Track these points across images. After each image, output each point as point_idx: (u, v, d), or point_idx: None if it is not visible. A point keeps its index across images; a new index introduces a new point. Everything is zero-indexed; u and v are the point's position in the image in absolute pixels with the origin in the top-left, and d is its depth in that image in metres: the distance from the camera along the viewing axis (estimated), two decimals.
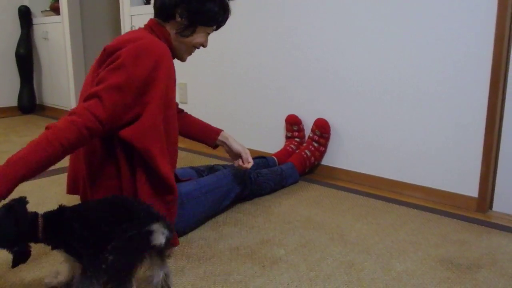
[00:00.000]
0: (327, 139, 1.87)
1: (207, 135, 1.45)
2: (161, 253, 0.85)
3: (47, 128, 0.97)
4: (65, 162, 2.07)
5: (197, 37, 1.21)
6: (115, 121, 1.02)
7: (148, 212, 0.87)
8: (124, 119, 1.04)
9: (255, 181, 1.56)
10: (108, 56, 1.07)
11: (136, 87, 1.03)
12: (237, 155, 1.46)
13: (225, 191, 1.42)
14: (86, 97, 1.01)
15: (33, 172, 0.89)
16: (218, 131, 1.46)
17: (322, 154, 1.89)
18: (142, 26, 1.24)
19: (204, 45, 1.26)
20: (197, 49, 1.28)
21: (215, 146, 1.48)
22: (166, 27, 1.20)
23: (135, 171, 1.11)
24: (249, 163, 1.43)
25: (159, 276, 0.85)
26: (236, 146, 1.44)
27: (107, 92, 0.99)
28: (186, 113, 1.49)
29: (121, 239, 0.81)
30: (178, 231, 1.24)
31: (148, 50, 1.05)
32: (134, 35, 1.11)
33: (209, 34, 1.25)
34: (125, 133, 1.05)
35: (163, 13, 1.18)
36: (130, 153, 1.10)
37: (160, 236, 0.82)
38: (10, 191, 0.86)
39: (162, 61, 1.07)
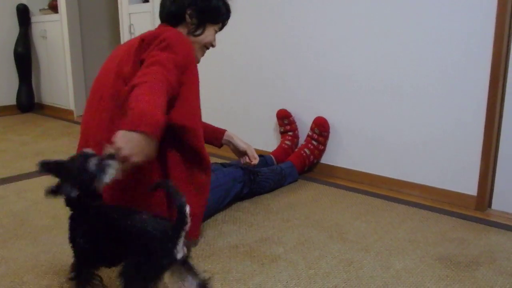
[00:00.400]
0: (326, 137, 1.87)
1: (213, 136, 1.51)
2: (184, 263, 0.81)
3: (136, 84, 0.91)
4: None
5: (207, 36, 1.26)
6: (172, 92, 1.00)
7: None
8: (172, 95, 1.02)
9: (255, 179, 1.56)
10: (149, 44, 1.07)
11: (181, 66, 1.05)
12: (242, 153, 1.52)
13: (225, 190, 1.43)
14: (148, 64, 0.98)
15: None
16: (223, 131, 1.51)
17: (321, 152, 1.89)
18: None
19: (213, 45, 1.31)
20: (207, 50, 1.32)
21: (220, 146, 1.53)
22: (179, 29, 1.23)
23: (166, 153, 1.10)
24: (256, 159, 1.51)
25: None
26: (241, 144, 1.51)
27: (169, 62, 1.00)
28: None
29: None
30: None
31: (184, 37, 1.12)
32: (161, 29, 1.15)
33: (216, 32, 1.29)
34: (175, 114, 1.05)
35: (173, 17, 1.22)
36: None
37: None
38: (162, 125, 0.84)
39: (192, 49, 1.13)
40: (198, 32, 1.23)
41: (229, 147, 1.53)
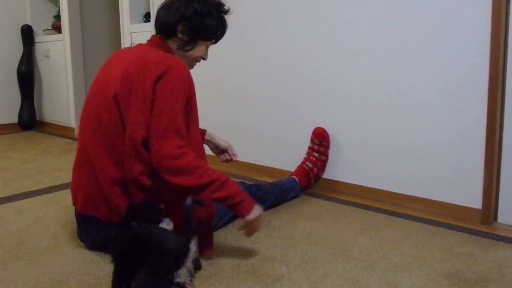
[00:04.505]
0: (326, 147, 1.86)
1: None
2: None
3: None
4: (62, 179, 2.06)
5: (198, 51, 1.28)
6: None
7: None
8: None
9: (255, 194, 1.55)
10: (157, 81, 1.11)
11: (188, 101, 1.17)
12: (222, 150, 1.56)
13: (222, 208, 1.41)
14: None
15: None
16: (204, 131, 1.54)
17: (324, 163, 1.88)
18: (142, 42, 1.28)
19: (204, 58, 1.32)
20: (198, 63, 1.35)
21: None
22: (168, 42, 1.26)
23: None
24: (235, 156, 1.55)
25: None
26: (222, 142, 1.55)
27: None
28: None
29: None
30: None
31: (185, 71, 1.16)
32: (155, 54, 1.16)
33: (208, 47, 1.30)
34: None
35: (165, 30, 1.24)
36: None
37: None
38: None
39: (189, 76, 1.19)
40: (187, 48, 1.25)
41: (209, 147, 1.54)
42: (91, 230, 1.25)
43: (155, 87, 1.10)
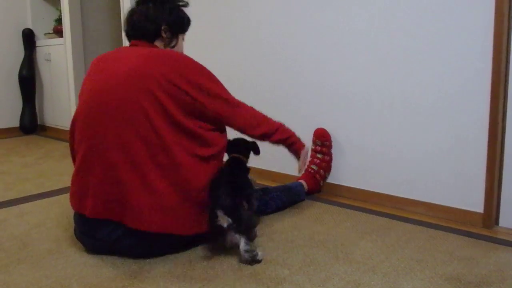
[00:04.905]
0: (328, 146, 1.87)
1: None
2: None
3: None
4: (64, 183, 2.06)
5: (180, 44, 1.40)
6: None
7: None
8: None
9: (261, 199, 1.55)
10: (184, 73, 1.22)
11: None
12: None
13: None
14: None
15: None
16: None
17: (329, 163, 1.88)
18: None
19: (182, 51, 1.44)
20: None
21: None
22: (155, 44, 1.33)
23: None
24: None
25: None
26: None
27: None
28: None
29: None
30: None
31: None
32: (168, 52, 1.26)
33: (183, 39, 1.44)
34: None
35: (149, 36, 1.32)
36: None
37: None
38: None
39: None
40: (173, 44, 1.36)
41: None
42: (98, 233, 1.24)
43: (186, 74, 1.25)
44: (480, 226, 1.49)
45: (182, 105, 1.18)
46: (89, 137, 1.21)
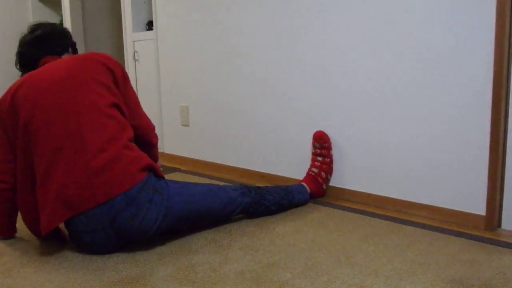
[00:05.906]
0: (328, 148, 1.87)
1: None
2: None
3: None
4: None
5: None
6: None
7: None
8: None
9: (255, 194, 1.58)
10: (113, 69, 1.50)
11: None
12: None
13: (216, 190, 1.49)
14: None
15: None
16: None
17: (329, 165, 1.88)
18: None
19: None
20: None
21: None
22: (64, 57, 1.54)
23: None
24: None
25: None
26: None
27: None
28: None
29: None
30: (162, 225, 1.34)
31: None
32: (91, 54, 1.50)
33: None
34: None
35: (59, 52, 1.54)
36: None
37: None
38: None
39: None
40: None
41: None
42: (98, 218, 1.26)
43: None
44: (483, 229, 1.49)
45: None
46: (56, 141, 1.30)
